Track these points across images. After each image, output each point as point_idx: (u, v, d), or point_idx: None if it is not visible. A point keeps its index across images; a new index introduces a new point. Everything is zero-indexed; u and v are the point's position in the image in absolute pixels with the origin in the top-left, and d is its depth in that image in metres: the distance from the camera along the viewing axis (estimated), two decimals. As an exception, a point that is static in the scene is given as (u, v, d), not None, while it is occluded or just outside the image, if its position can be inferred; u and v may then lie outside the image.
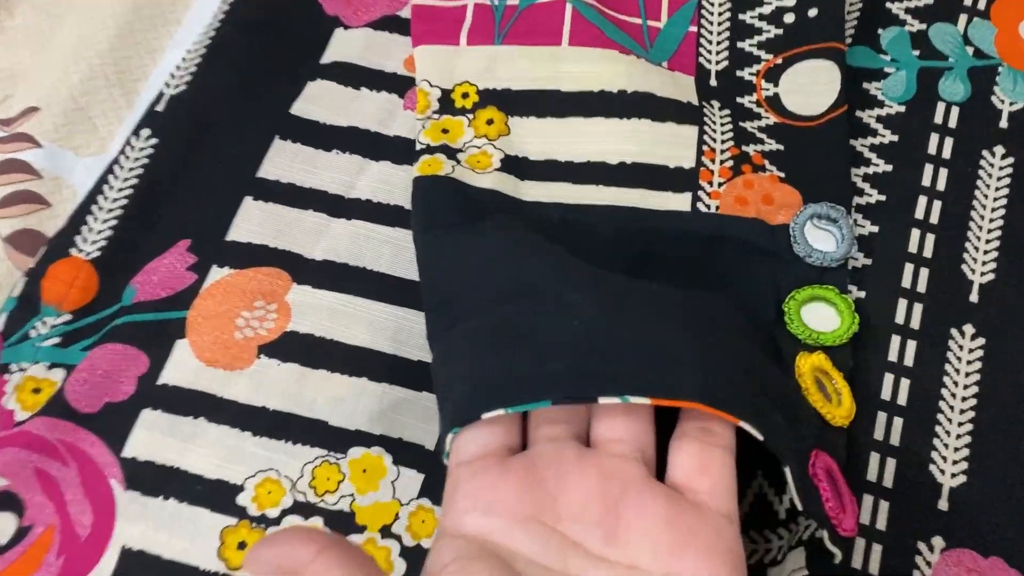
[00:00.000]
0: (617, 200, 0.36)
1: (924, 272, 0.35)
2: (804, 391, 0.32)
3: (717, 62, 0.39)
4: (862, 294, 0.35)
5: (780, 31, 0.40)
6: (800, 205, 0.36)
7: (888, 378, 0.34)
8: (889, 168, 0.37)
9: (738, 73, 0.39)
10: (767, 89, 0.39)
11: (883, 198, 0.37)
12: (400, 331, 0.35)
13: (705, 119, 0.38)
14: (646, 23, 0.40)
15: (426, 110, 0.38)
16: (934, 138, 0.38)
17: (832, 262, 0.35)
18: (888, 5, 0.40)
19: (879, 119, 0.38)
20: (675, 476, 0.27)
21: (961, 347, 0.34)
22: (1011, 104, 0.38)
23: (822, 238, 0.35)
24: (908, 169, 0.37)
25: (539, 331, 0.29)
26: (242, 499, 0.33)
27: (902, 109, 0.38)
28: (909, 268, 0.36)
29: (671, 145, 0.37)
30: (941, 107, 0.38)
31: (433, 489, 0.33)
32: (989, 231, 0.36)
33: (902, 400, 0.33)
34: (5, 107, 0.40)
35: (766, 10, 0.40)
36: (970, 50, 0.39)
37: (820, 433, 0.31)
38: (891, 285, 0.35)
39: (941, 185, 0.37)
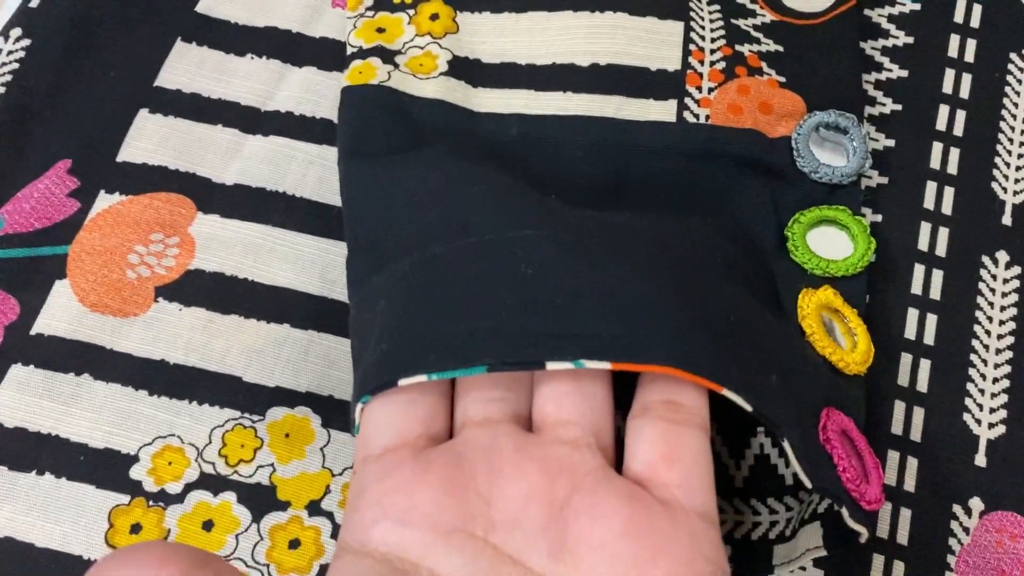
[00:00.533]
0: (588, 110, 0.31)
1: (949, 191, 0.31)
2: (809, 336, 0.26)
3: (703, -49, 0.34)
4: (878, 218, 0.31)
5: (775, -84, 0.34)
6: (803, 114, 0.31)
7: (912, 314, 0.29)
8: (904, 73, 0.33)
9: (727, -37, 0.34)
10: (762, -18, 0.33)
11: (899, 108, 0.32)
12: (330, 268, 0.30)
13: (692, 14, 0.32)
14: (619, -95, 0.34)
15: (358, 6, 0.32)
16: (955, 39, 0.33)
17: (843, 178, 0.29)
18: None
19: (891, 18, 0.34)
20: (636, 467, 0.21)
21: (994, 277, 0.30)
22: (1041, 0, 0.34)
23: (830, 151, 0.30)
24: (926, 75, 0.33)
25: (476, 277, 0.23)
26: (136, 472, 0.28)
27: (917, 7, 0.34)
28: (932, 187, 0.31)
29: (652, 44, 0.31)
30: (962, 4, 0.34)
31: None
32: (1022, 144, 0.32)
33: (929, 339, 0.29)
34: None
35: None
36: (993, -61, 0.35)
37: (831, 386, 0.26)
38: (912, 207, 0.31)
39: (965, 92, 0.32)
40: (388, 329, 0.23)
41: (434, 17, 0.32)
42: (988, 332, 0.29)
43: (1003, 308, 0.29)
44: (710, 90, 0.31)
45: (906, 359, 0.28)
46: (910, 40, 0.33)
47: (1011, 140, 0.32)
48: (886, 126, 0.32)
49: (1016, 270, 0.30)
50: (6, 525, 0.27)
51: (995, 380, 0.28)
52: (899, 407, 0.28)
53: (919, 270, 0.30)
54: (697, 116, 0.30)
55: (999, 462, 0.27)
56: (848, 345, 0.27)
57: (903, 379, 0.28)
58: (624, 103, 0.31)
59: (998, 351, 0.29)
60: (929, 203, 0.31)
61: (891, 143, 0.31)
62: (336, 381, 0.29)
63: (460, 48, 0.32)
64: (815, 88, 0.31)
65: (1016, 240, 0.30)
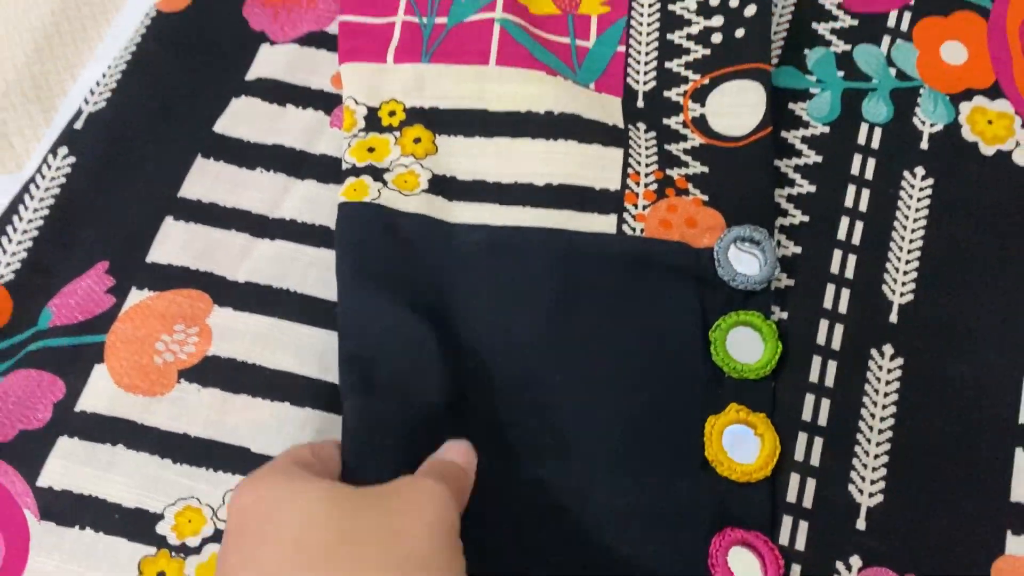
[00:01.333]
0: (543, 222, 0.36)
1: (845, 293, 0.36)
2: (712, 463, 0.32)
3: (645, 82, 0.40)
4: (784, 315, 0.35)
5: (708, 51, 0.40)
6: (723, 228, 0.36)
7: (809, 399, 0.34)
8: (813, 189, 0.38)
9: (665, 93, 0.39)
10: (694, 110, 0.39)
11: (806, 219, 0.37)
12: (326, 355, 0.35)
13: (630, 142, 0.38)
14: (575, 43, 0.40)
15: (352, 128, 0.38)
16: (857, 158, 0.38)
17: (755, 285, 0.35)
18: (815, 26, 0.41)
19: (804, 139, 0.39)
20: None
21: (880, 367, 0.35)
22: (931, 126, 0.39)
23: (746, 261, 0.36)
24: (831, 190, 0.38)
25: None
26: (161, 528, 0.32)
27: (826, 130, 0.39)
28: (831, 289, 0.36)
29: (597, 167, 0.37)
30: (864, 128, 0.39)
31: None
32: (909, 251, 0.37)
33: (822, 420, 0.34)
34: (-83, 123, 0.38)
35: (694, 30, 0.40)
36: (893, 71, 0.40)
37: (735, 502, 0.32)
38: (813, 306, 0.36)
39: (863, 206, 0.37)
40: None
41: (417, 140, 0.37)
42: (873, 415, 0.34)
43: (886, 394, 0.34)
44: (644, 207, 0.36)
45: (802, 438, 0.33)
46: (819, 159, 0.38)
47: (900, 248, 0.37)
48: (795, 235, 0.37)
49: (899, 361, 0.35)
50: (54, 572, 0.31)
51: (876, 456, 0.33)
52: (794, 479, 0.33)
53: (816, 361, 0.35)
54: (634, 229, 0.36)
55: (877, 525, 0.32)
56: (759, 447, 0.32)
57: (799, 455, 0.33)
58: (573, 216, 0.36)
59: (880, 431, 0.34)
60: (828, 303, 0.36)
61: (799, 250, 0.36)
62: (329, 451, 0.34)
63: (439, 167, 0.37)
64: (734, 205, 0.36)
65: (900, 335, 0.35)
